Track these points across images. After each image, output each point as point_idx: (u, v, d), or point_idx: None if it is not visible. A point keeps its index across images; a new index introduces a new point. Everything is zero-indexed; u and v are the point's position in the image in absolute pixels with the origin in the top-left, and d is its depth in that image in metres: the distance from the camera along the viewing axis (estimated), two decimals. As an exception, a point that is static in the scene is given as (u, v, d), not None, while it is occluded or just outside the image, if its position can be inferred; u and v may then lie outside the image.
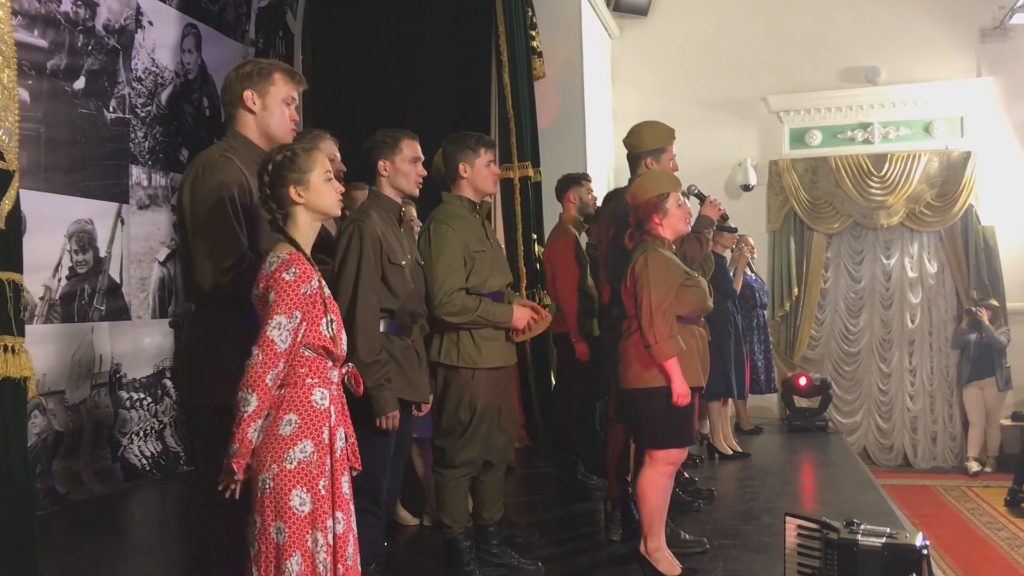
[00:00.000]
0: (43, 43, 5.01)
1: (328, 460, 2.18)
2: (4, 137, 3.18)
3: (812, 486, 5.81)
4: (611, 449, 4.09)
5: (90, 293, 5.38)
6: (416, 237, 3.56)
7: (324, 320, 2.21)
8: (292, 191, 2.24)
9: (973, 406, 8.59)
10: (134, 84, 5.79)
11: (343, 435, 2.27)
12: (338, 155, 3.45)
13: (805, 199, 8.98)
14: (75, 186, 5.26)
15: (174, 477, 5.70)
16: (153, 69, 5.98)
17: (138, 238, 5.81)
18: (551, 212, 5.84)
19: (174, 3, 6.17)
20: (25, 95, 4.87)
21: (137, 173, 5.81)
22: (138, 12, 5.78)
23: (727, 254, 6.47)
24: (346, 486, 2.25)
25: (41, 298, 5.01)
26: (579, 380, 4.94)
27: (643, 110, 7.85)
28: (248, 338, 2.18)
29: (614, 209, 4.08)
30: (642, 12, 9.08)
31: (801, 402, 7.99)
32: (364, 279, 2.89)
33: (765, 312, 7.46)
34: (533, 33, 7.22)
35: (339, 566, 2.14)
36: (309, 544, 2.11)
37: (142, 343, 5.82)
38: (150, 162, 5.93)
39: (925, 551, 2.65)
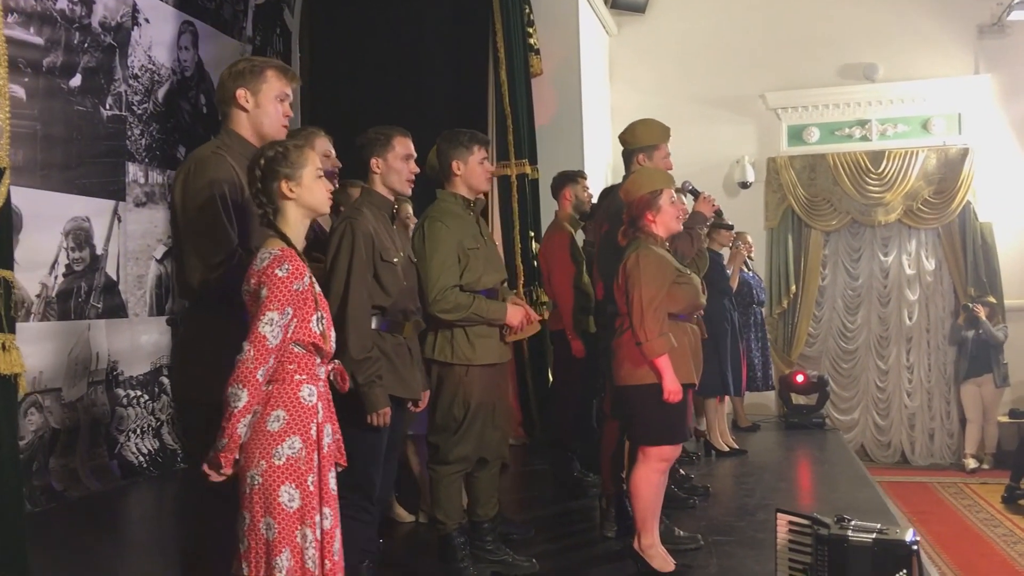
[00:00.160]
0: (39, 40, 5.01)
1: (316, 456, 2.19)
2: (-6, 134, 3.19)
3: (808, 483, 5.82)
4: (605, 446, 4.09)
5: (87, 291, 5.39)
6: (411, 234, 3.57)
7: (315, 316, 2.22)
8: (284, 186, 2.25)
9: (970, 403, 8.59)
10: (131, 81, 5.79)
11: (330, 431, 2.28)
12: (332, 152, 3.46)
13: (803, 196, 8.98)
14: (72, 183, 5.26)
15: (171, 475, 5.70)
16: (150, 66, 5.98)
17: (135, 235, 5.81)
18: (548, 209, 5.85)
19: (171, 0, 6.18)
20: (21, 93, 4.88)
21: (134, 170, 5.81)
22: (134, 9, 5.78)
23: (724, 251, 6.47)
24: (333, 482, 2.26)
25: (38, 295, 5.02)
26: (575, 377, 4.95)
27: (641, 107, 7.84)
28: (241, 335, 2.19)
29: (609, 206, 4.09)
30: (640, 9, 9.08)
31: (798, 399, 8.01)
32: (356, 276, 2.89)
33: (762, 309, 7.45)
34: (530, 30, 7.21)
35: (326, 561, 2.15)
36: (298, 540, 2.12)
37: (139, 340, 5.83)
38: (147, 159, 5.94)
39: (915, 547, 2.66)
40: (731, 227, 6.22)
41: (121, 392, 5.65)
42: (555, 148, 7.16)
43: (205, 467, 2.13)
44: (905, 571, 2.61)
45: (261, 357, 2.13)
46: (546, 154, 7.03)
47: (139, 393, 5.80)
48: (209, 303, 2.54)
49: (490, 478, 3.58)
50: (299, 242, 2.28)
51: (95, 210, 5.46)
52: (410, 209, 4.41)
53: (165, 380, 5.95)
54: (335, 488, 2.28)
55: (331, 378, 2.34)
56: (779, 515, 2.98)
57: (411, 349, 3.14)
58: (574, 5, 7.69)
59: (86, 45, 5.36)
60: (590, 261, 4.76)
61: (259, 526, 2.11)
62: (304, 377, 2.22)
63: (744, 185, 9.06)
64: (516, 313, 3.43)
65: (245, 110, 2.69)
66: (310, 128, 3.54)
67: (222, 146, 2.67)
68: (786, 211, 9.08)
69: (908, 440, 8.93)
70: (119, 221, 5.67)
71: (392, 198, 3.16)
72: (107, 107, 5.57)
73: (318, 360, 2.26)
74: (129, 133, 5.78)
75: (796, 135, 9.12)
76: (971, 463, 8.51)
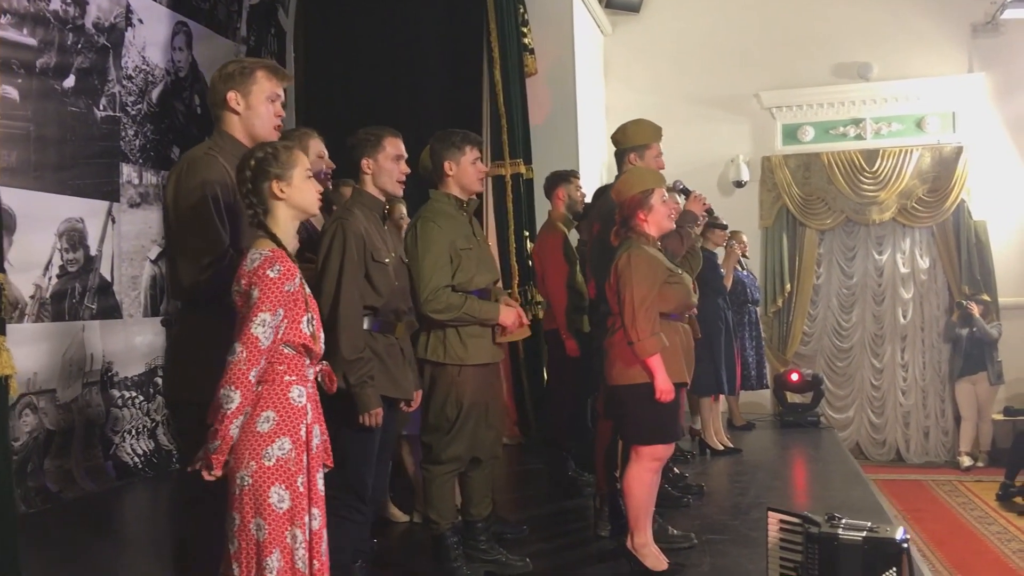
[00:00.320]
0: (32, 42, 5.00)
1: (305, 457, 2.19)
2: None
3: (802, 481, 5.83)
4: (599, 445, 4.10)
5: (81, 292, 5.39)
6: (403, 235, 3.58)
7: (305, 318, 2.22)
8: (274, 187, 2.26)
9: (965, 401, 8.61)
10: (124, 82, 5.79)
11: (318, 432, 2.28)
12: (326, 153, 3.46)
13: (797, 195, 9.00)
14: (65, 184, 5.26)
15: (166, 475, 5.70)
16: (144, 67, 5.98)
17: (129, 236, 5.81)
18: (543, 209, 5.85)
19: (165, 1, 6.17)
20: (15, 94, 4.88)
21: (128, 171, 5.81)
22: (128, 10, 5.78)
23: (719, 251, 6.48)
24: (321, 483, 2.27)
25: (32, 297, 5.01)
26: (570, 377, 4.96)
27: (636, 107, 7.85)
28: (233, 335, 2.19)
29: (602, 206, 4.10)
30: (634, 9, 9.09)
31: (794, 398, 8.03)
32: (347, 276, 2.90)
33: (757, 308, 7.48)
34: (525, 30, 7.22)
35: (315, 561, 2.16)
36: (288, 541, 2.13)
37: (133, 341, 5.82)
38: (141, 160, 5.94)
39: (905, 545, 2.67)
40: (725, 226, 6.26)
41: (116, 393, 5.65)
42: (550, 148, 7.18)
43: (196, 467, 2.13)
44: (895, 569, 2.63)
45: (253, 358, 2.13)
46: (541, 154, 7.04)
47: (134, 394, 5.79)
48: (201, 303, 2.55)
49: (483, 478, 3.59)
50: (289, 243, 2.28)
51: (89, 211, 5.46)
52: (404, 210, 4.42)
53: (160, 381, 5.95)
54: (323, 489, 2.28)
55: (319, 379, 2.35)
56: (770, 513, 2.99)
57: (403, 349, 3.15)
58: (568, 5, 7.70)
59: (79, 46, 5.36)
60: (584, 261, 4.77)
61: (249, 527, 2.12)
62: (294, 378, 2.22)
63: (739, 184, 9.07)
64: (509, 314, 3.44)
65: (237, 112, 2.69)
66: (303, 129, 3.55)
67: (214, 147, 2.68)
68: (781, 210, 9.09)
69: (903, 438, 8.95)
70: (113, 222, 5.66)
71: (383, 198, 3.16)
72: (101, 108, 5.57)
73: (307, 361, 2.27)
74: (123, 134, 5.77)
75: (791, 134, 9.14)
76: (966, 461, 8.53)
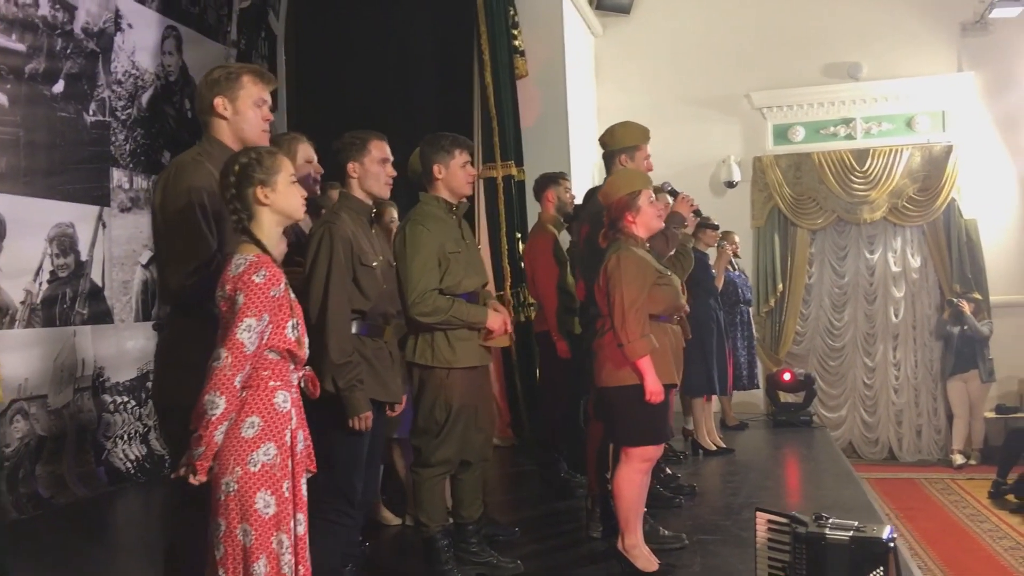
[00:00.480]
0: (21, 47, 5.01)
1: (290, 462, 2.20)
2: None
3: (793, 480, 5.85)
4: (590, 446, 4.11)
5: (72, 297, 5.39)
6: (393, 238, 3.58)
7: (290, 323, 2.23)
8: (258, 192, 2.26)
9: (957, 399, 8.63)
10: (114, 87, 5.79)
11: (302, 437, 2.29)
12: (315, 157, 3.46)
13: (789, 195, 9.02)
14: (55, 190, 5.26)
15: (159, 480, 5.70)
16: (133, 72, 5.98)
17: (120, 241, 5.81)
18: (535, 211, 5.87)
19: (154, 5, 6.17)
20: (3, 99, 4.88)
21: (118, 176, 5.81)
22: (117, 15, 5.78)
23: (710, 251, 6.49)
24: (305, 488, 2.27)
25: (22, 302, 5.01)
26: (562, 378, 4.97)
27: (628, 107, 7.89)
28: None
29: (592, 207, 4.11)
30: (624, 10, 9.11)
31: (786, 397, 8.04)
32: (335, 281, 2.90)
33: (749, 308, 7.49)
34: (515, 32, 7.23)
35: (300, 567, 2.16)
36: (274, 546, 2.13)
37: (125, 346, 5.82)
38: (131, 165, 5.94)
39: (891, 544, 2.68)
40: (716, 227, 6.27)
41: (108, 398, 5.64)
42: (541, 149, 7.18)
43: (181, 472, 2.13)
44: (882, 568, 2.64)
45: (239, 364, 2.13)
46: (532, 155, 7.05)
47: (126, 399, 5.79)
48: (189, 308, 2.55)
49: (473, 480, 3.60)
50: (273, 248, 2.28)
51: (79, 216, 5.46)
52: (395, 213, 4.42)
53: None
54: (307, 494, 2.28)
55: (302, 384, 2.35)
56: (758, 514, 3.00)
57: (392, 353, 3.15)
58: (558, 7, 7.70)
59: (68, 51, 5.36)
60: (575, 262, 4.78)
61: (235, 532, 2.12)
62: (278, 383, 2.22)
63: (730, 184, 9.09)
64: (496, 319, 3.44)
65: (225, 118, 2.70)
66: (292, 134, 3.54)
67: (203, 153, 2.68)
68: (772, 210, 9.11)
69: (896, 437, 8.97)
70: (104, 227, 5.66)
71: (370, 202, 3.16)
72: (90, 113, 5.57)
73: (292, 366, 2.27)
74: (113, 138, 5.77)
75: (781, 134, 9.15)
76: (958, 459, 8.55)
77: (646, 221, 3.52)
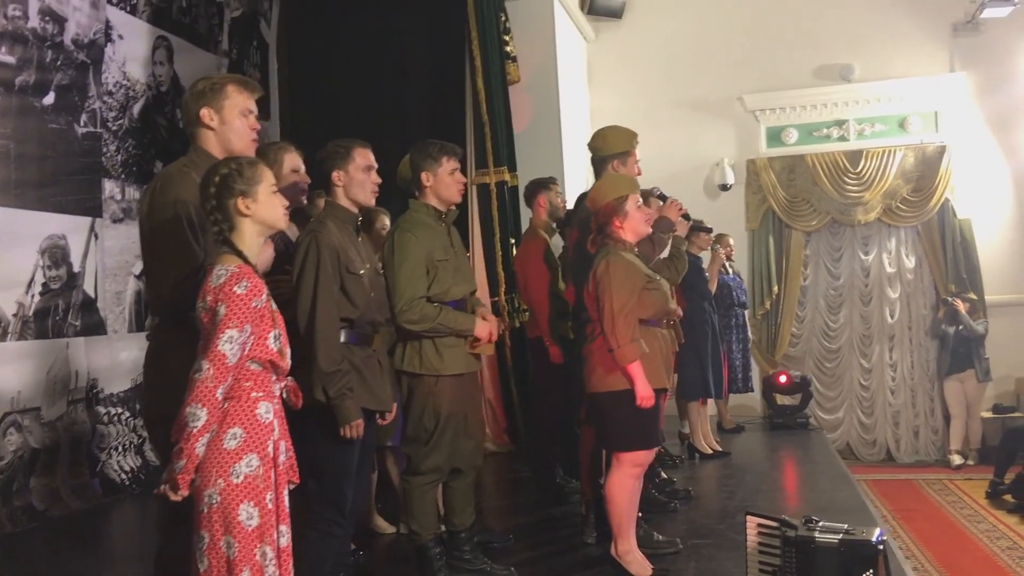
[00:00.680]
0: (11, 60, 5.01)
1: (273, 474, 2.19)
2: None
3: (789, 483, 5.85)
4: (583, 451, 4.11)
5: (64, 308, 5.38)
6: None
7: (272, 334, 2.22)
8: (239, 203, 2.25)
9: (954, 399, 8.63)
10: (105, 98, 5.79)
11: (284, 448, 2.28)
12: (302, 167, 3.45)
13: (783, 197, 9.03)
14: (47, 201, 5.26)
15: (154, 492, 5.68)
16: (124, 82, 5.98)
17: (113, 252, 5.80)
18: (528, 217, 5.87)
19: (144, 16, 6.18)
20: (-7, 112, 4.88)
21: (110, 187, 5.81)
22: (107, 26, 5.79)
23: (704, 255, 6.49)
24: (287, 499, 2.26)
25: (14, 315, 5.01)
26: (555, 383, 4.96)
27: (621, 112, 7.89)
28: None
29: (582, 212, 4.10)
30: (617, 15, 9.12)
31: (782, 400, 8.05)
32: (322, 289, 2.89)
33: (744, 311, 7.49)
34: (507, 38, 7.25)
35: (283, 578, 2.16)
36: (258, 558, 2.12)
37: (119, 357, 5.81)
38: (123, 175, 5.93)
39: (881, 546, 2.68)
40: (710, 230, 6.28)
41: (102, 410, 5.63)
42: (534, 155, 7.20)
43: (162, 489, 2.13)
44: (872, 571, 2.63)
45: (220, 375, 2.12)
46: (525, 161, 7.07)
47: (120, 410, 5.78)
48: (175, 318, 2.56)
49: (465, 487, 3.59)
50: (255, 259, 2.28)
51: (71, 227, 5.45)
52: (387, 220, 4.42)
53: (146, 396, 5.94)
54: (289, 506, 2.27)
55: (284, 395, 2.34)
56: (749, 518, 3.00)
57: (380, 361, 3.15)
58: (550, 12, 7.72)
59: (59, 63, 5.36)
60: (566, 267, 4.78)
61: (219, 545, 2.10)
62: (260, 394, 2.22)
63: (724, 187, 9.10)
64: (484, 327, 3.44)
65: (211, 128, 2.72)
66: (280, 143, 3.55)
67: (190, 164, 2.70)
68: (766, 212, 9.12)
69: (893, 438, 8.96)
70: (96, 238, 5.66)
71: (356, 210, 3.16)
72: (82, 124, 5.57)
73: (274, 377, 2.26)
74: (104, 149, 5.77)
75: (775, 136, 9.17)
76: (956, 459, 8.54)
77: (634, 226, 3.51)
